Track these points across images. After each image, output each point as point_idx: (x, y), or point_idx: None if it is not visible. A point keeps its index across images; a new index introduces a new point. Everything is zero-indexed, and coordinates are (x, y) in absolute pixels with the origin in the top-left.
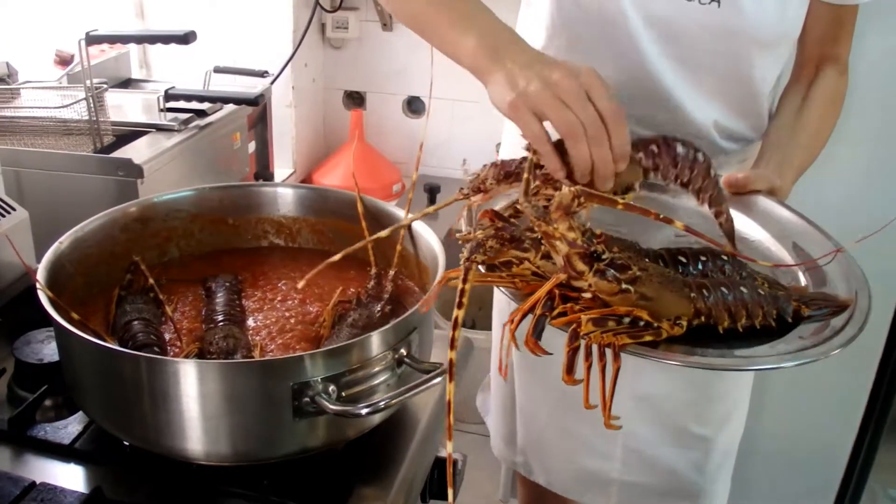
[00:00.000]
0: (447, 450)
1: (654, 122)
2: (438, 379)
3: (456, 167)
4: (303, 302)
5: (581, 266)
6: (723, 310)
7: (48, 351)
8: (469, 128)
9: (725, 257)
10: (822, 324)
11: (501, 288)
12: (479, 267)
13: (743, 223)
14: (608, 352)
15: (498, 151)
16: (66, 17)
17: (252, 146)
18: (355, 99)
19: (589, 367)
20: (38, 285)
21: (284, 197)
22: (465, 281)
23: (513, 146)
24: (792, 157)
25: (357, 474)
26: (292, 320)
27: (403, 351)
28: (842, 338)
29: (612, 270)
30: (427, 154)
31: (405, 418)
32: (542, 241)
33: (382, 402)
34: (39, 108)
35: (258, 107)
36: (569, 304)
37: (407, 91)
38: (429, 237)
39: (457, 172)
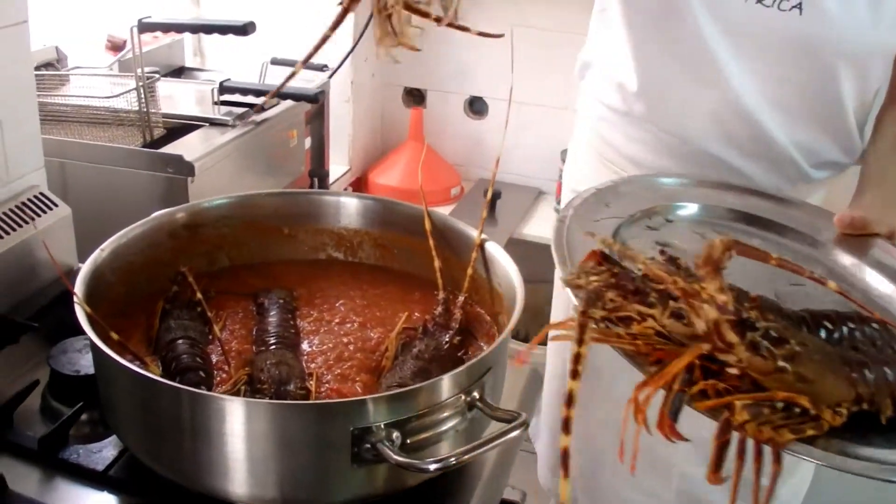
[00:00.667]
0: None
1: (736, 141)
2: (516, 432)
3: (519, 173)
4: (363, 326)
5: (732, 337)
6: (886, 395)
7: (86, 362)
8: (534, 132)
9: (875, 325)
10: None
11: (616, 349)
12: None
13: (867, 272)
14: (766, 450)
15: (563, 160)
16: (120, 0)
17: (308, 143)
18: (415, 97)
19: (740, 467)
20: (75, 299)
21: (347, 207)
22: (581, 342)
23: (580, 157)
24: None
25: None
26: (351, 346)
27: (476, 394)
28: None
29: (768, 344)
30: (489, 159)
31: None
32: (676, 299)
33: (453, 459)
34: (88, 96)
35: (317, 104)
36: (710, 381)
37: (469, 90)
38: (503, 260)
39: (520, 178)
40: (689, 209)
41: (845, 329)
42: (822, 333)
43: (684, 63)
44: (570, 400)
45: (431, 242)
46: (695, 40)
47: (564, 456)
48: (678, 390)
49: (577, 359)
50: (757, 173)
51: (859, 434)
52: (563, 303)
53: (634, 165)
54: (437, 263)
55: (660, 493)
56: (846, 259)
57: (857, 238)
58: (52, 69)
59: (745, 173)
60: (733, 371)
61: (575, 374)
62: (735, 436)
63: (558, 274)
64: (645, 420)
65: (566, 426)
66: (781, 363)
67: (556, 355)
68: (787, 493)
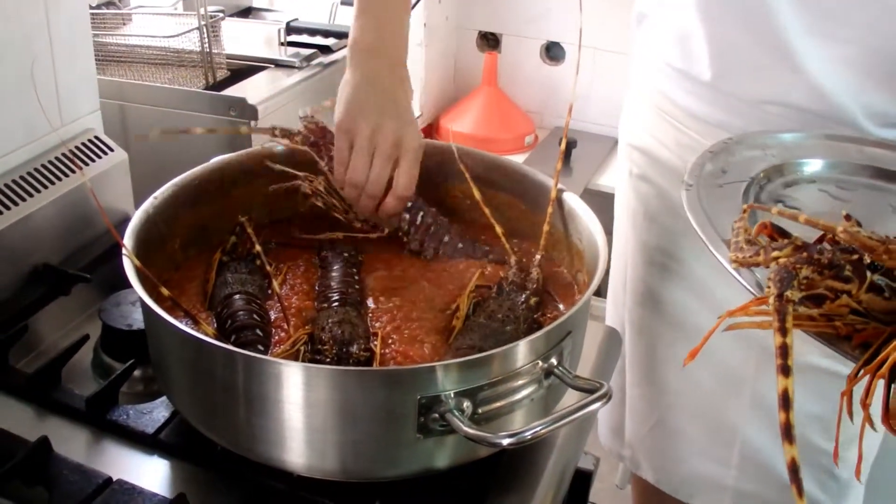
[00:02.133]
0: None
1: (792, 105)
2: (598, 404)
3: (595, 122)
4: (434, 283)
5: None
6: None
7: (139, 315)
8: (610, 79)
9: None
10: None
11: (811, 334)
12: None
13: None
14: None
15: None
16: None
17: None
18: (490, 41)
19: None
20: (123, 251)
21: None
22: (784, 331)
23: (634, 109)
24: None
25: (486, 494)
26: (420, 305)
27: (554, 360)
28: None
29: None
30: (565, 107)
31: None
32: (875, 269)
33: (528, 434)
34: (149, 36)
35: None
36: None
37: (546, 35)
38: (583, 213)
39: (596, 127)
40: (813, 165)
41: None
42: None
43: (745, 20)
44: (786, 401)
45: (487, 211)
46: (764, 8)
47: (793, 470)
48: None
49: (784, 352)
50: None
51: None
52: (620, 270)
53: (694, 120)
54: (499, 229)
55: (724, 459)
56: None
57: None
58: (113, 8)
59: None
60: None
61: (787, 371)
62: None
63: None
64: (869, 417)
65: (787, 433)
66: None
67: (614, 316)
68: (852, 458)
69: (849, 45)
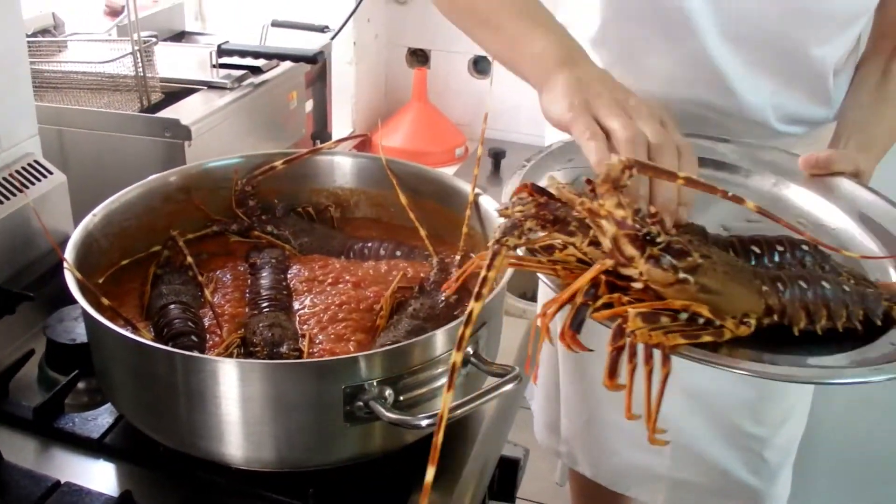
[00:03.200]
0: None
1: (706, 104)
2: (509, 386)
3: (523, 131)
4: (357, 285)
5: (631, 251)
6: (800, 308)
7: (82, 330)
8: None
9: (806, 247)
10: None
11: (540, 275)
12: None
13: (824, 208)
14: (657, 354)
15: None
16: None
17: (309, 105)
18: (419, 57)
19: (633, 371)
20: (65, 265)
21: (342, 166)
22: (489, 267)
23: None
24: (874, 136)
25: (413, 481)
26: (345, 307)
27: (470, 349)
28: None
29: (669, 257)
30: (493, 118)
31: (467, 416)
32: (589, 223)
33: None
34: (84, 62)
35: (316, 64)
36: (616, 295)
37: (473, 50)
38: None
39: (523, 137)
40: None
41: (776, 254)
42: (752, 259)
43: (661, 22)
44: (468, 319)
45: (404, 201)
46: (673, 8)
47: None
48: (581, 303)
49: (483, 282)
50: (722, 127)
51: (774, 347)
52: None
53: None
54: (422, 232)
55: (657, 449)
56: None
57: (824, 178)
58: (49, 35)
59: (710, 125)
60: (637, 286)
61: (478, 297)
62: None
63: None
64: (548, 332)
65: (459, 344)
66: (683, 275)
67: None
68: (781, 441)
69: (759, 50)
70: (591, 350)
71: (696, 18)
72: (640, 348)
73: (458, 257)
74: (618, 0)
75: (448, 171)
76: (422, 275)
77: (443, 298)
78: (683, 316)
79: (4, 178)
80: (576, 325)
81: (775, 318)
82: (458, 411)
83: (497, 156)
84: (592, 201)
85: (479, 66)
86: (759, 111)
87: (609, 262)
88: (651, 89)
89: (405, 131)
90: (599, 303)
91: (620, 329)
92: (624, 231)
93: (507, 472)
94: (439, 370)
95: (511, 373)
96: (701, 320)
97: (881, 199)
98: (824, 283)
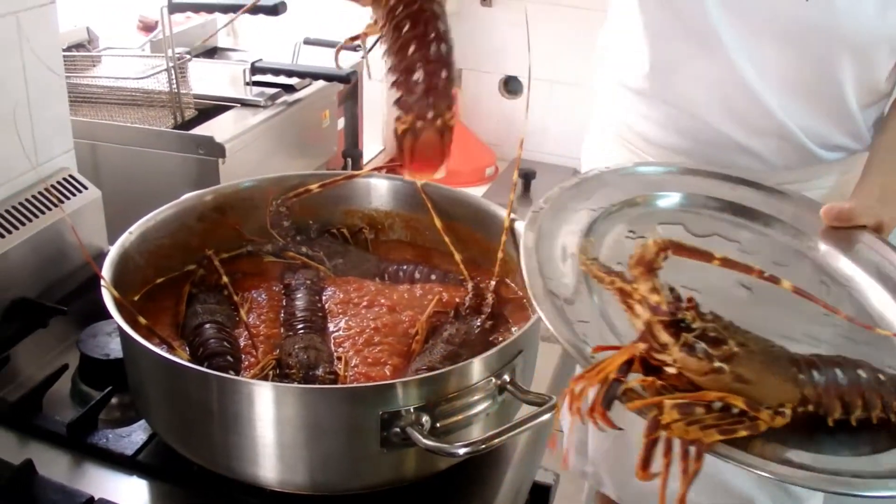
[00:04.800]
0: None
1: (743, 119)
2: (546, 416)
3: (552, 152)
4: (392, 309)
5: (665, 338)
6: (835, 397)
7: (115, 345)
8: (568, 111)
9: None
10: None
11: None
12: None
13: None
14: (692, 450)
15: None
16: None
17: (341, 123)
18: None
19: (668, 465)
20: (102, 283)
21: (378, 189)
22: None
23: (597, 137)
24: None
25: None
26: (382, 330)
27: (507, 377)
28: None
29: (703, 344)
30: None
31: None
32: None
33: (483, 444)
34: (118, 77)
35: (349, 84)
36: (650, 379)
37: (504, 70)
38: None
39: (553, 157)
40: (672, 198)
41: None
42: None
43: (691, 41)
44: None
45: (439, 224)
46: (701, 19)
47: None
48: (614, 379)
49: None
50: (765, 152)
51: (807, 437)
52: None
53: (647, 143)
54: (457, 256)
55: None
56: (829, 252)
57: (845, 230)
58: (83, 50)
59: (755, 151)
60: (671, 370)
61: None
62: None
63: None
64: (579, 410)
65: None
66: (718, 364)
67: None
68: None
69: (782, 65)
70: (622, 429)
71: (722, 33)
72: (676, 443)
73: (493, 283)
74: (656, 25)
75: (478, 191)
76: (457, 299)
77: (478, 324)
78: (717, 405)
79: (40, 193)
80: (607, 401)
81: (810, 407)
82: (496, 441)
83: (527, 177)
84: (625, 282)
85: (510, 86)
86: (796, 135)
87: (642, 347)
88: (696, 111)
89: None
90: (632, 383)
91: (656, 421)
92: (658, 317)
93: (539, 498)
94: (476, 398)
95: (548, 402)
96: (735, 410)
97: None
98: (860, 372)
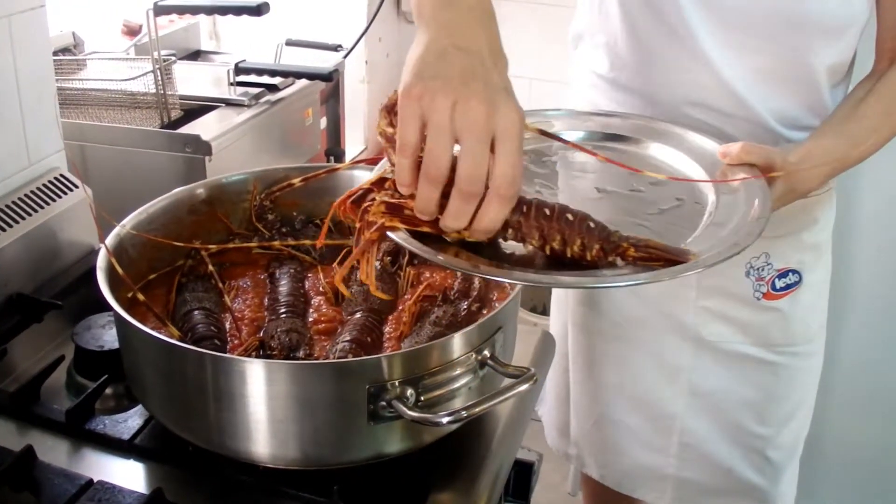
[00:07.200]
0: None
1: (712, 107)
2: (525, 385)
3: None
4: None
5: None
6: (535, 228)
7: (109, 337)
8: (546, 105)
9: None
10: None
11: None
12: None
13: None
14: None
15: None
16: None
17: (324, 122)
18: None
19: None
20: (103, 251)
21: (360, 180)
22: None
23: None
24: (829, 146)
25: (433, 480)
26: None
27: (487, 352)
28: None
29: None
30: None
31: (484, 419)
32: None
33: (464, 412)
34: (105, 80)
35: (331, 82)
36: (390, 192)
37: None
38: None
39: None
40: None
41: None
42: None
43: (663, 32)
44: None
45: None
46: (674, 12)
47: None
48: (367, 188)
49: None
50: (736, 135)
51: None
52: None
53: None
54: None
55: (664, 448)
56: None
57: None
58: (69, 54)
59: (726, 135)
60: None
61: None
62: None
63: None
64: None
65: None
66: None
67: (557, 321)
68: (785, 440)
69: (755, 52)
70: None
71: (694, 25)
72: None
73: None
74: (628, 15)
75: None
76: (446, 283)
77: (465, 307)
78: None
79: (32, 192)
80: (356, 198)
81: (510, 232)
82: (477, 409)
83: None
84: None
85: None
86: (766, 119)
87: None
88: (661, 95)
89: None
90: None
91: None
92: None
93: (522, 475)
94: (458, 371)
95: (526, 373)
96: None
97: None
98: (567, 215)
